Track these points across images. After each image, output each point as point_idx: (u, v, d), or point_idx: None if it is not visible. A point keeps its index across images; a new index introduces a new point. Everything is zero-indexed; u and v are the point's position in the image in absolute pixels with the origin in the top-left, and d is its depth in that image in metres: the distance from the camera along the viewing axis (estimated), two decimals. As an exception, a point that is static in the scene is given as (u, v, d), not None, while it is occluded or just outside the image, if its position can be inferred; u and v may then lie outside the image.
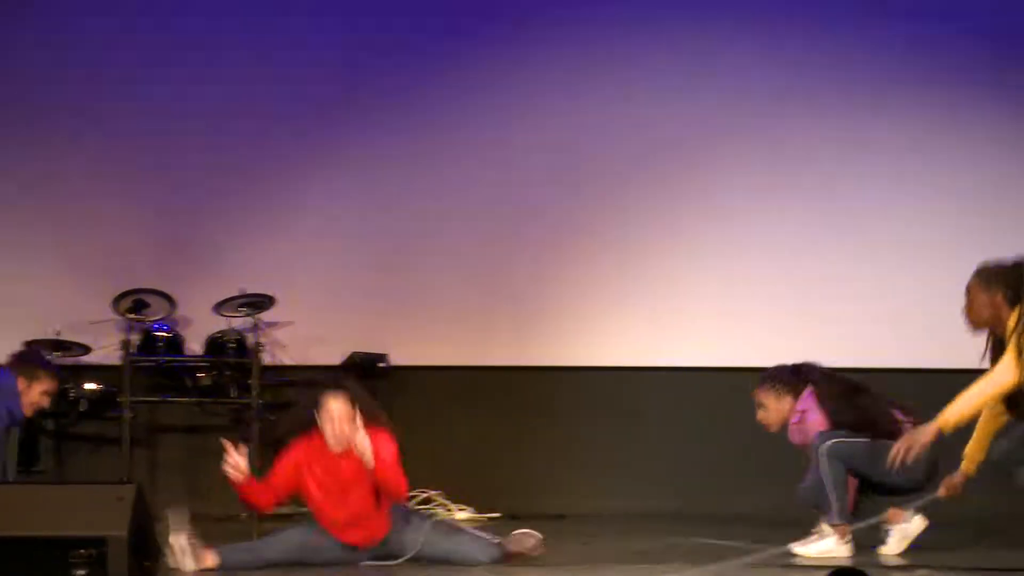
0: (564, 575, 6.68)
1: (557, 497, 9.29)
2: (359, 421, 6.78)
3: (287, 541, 6.91)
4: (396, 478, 6.86)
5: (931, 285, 8.95)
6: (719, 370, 9.34)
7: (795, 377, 7.32)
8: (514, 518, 8.88)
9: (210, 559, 6.61)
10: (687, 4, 9.64)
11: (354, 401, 6.90)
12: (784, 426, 7.33)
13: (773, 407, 7.31)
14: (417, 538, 6.86)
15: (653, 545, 7.60)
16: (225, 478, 9.28)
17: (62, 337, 9.02)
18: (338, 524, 6.87)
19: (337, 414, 6.80)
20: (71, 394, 9.06)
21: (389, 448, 6.89)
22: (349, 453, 6.82)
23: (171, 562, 6.49)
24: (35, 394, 7.40)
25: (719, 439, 9.34)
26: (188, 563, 6.50)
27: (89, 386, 9.10)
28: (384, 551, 6.89)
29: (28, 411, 7.45)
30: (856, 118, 9.47)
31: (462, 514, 8.97)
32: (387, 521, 6.89)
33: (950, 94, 9.46)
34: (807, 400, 7.27)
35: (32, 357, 7.70)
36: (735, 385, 9.09)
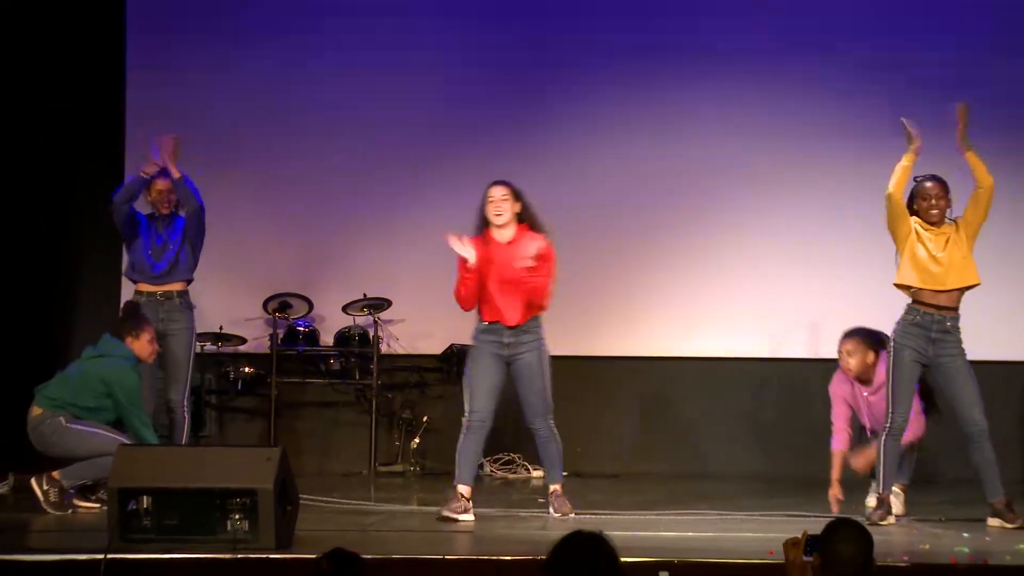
0: (623, 521, 6.66)
1: (613, 460, 9.27)
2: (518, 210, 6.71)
3: (476, 375, 6.88)
4: (544, 282, 6.72)
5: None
6: (740, 360, 9.25)
7: (876, 339, 7.16)
8: (578, 476, 8.90)
9: None
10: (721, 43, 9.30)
11: (517, 194, 6.79)
12: (861, 373, 7.10)
13: (860, 356, 7.06)
14: (535, 355, 6.83)
15: (696, 497, 7.67)
16: (350, 439, 9.38)
17: (224, 331, 9.12)
18: (492, 303, 6.78)
19: (498, 195, 6.76)
20: (231, 375, 9.21)
21: (549, 256, 6.75)
22: (513, 244, 6.76)
23: None
24: (144, 344, 7.14)
25: (741, 416, 9.28)
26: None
27: (244, 369, 9.21)
28: (516, 338, 6.81)
29: (148, 359, 7.20)
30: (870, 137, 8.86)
31: (537, 472, 8.92)
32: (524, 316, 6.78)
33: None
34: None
35: (127, 316, 7.32)
36: (751, 372, 9.29)
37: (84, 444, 6.93)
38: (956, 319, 6.70)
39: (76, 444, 6.94)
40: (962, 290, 6.69)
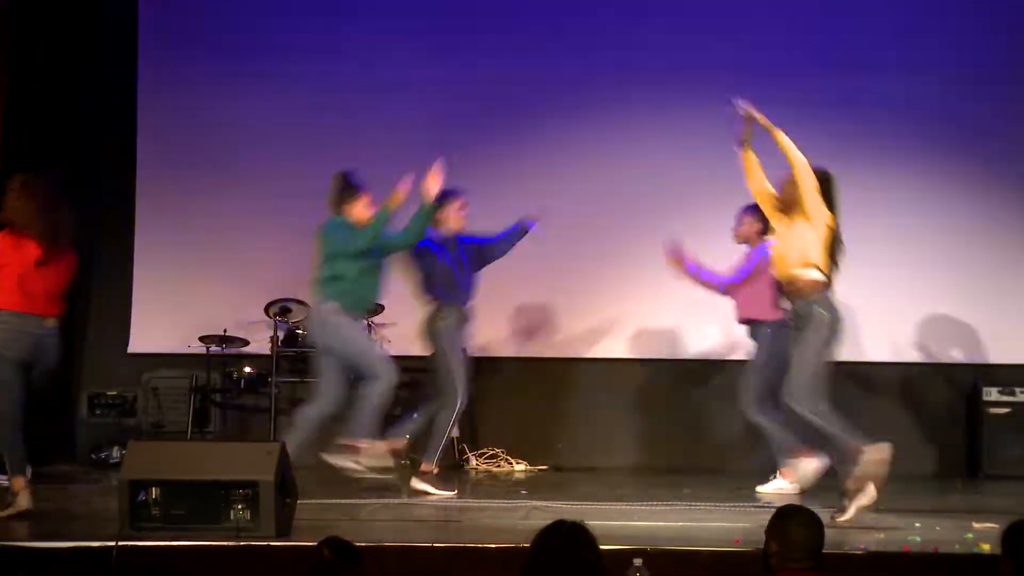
0: (599, 511, 6.57)
1: (589, 455, 9.24)
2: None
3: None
4: None
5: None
6: (711, 361, 9.23)
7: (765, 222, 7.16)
8: (557, 470, 8.94)
9: None
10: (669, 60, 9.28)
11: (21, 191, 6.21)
12: (745, 241, 7.39)
13: (747, 226, 7.43)
14: None
15: (661, 487, 7.62)
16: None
17: (228, 333, 9.08)
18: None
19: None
20: (234, 375, 9.17)
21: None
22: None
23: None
24: (361, 208, 7.10)
25: (708, 415, 9.25)
26: None
27: (247, 369, 9.18)
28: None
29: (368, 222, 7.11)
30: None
31: (519, 466, 8.94)
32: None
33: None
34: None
35: (335, 187, 7.22)
36: (719, 374, 9.19)
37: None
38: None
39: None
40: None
